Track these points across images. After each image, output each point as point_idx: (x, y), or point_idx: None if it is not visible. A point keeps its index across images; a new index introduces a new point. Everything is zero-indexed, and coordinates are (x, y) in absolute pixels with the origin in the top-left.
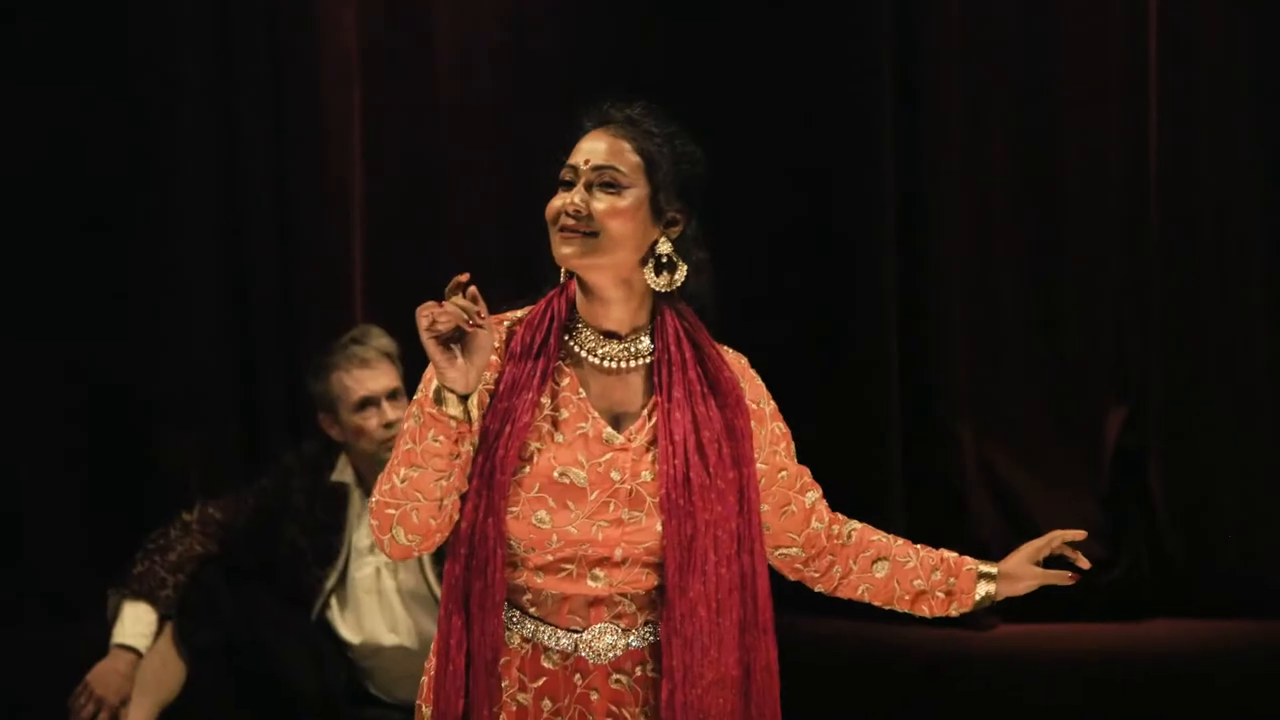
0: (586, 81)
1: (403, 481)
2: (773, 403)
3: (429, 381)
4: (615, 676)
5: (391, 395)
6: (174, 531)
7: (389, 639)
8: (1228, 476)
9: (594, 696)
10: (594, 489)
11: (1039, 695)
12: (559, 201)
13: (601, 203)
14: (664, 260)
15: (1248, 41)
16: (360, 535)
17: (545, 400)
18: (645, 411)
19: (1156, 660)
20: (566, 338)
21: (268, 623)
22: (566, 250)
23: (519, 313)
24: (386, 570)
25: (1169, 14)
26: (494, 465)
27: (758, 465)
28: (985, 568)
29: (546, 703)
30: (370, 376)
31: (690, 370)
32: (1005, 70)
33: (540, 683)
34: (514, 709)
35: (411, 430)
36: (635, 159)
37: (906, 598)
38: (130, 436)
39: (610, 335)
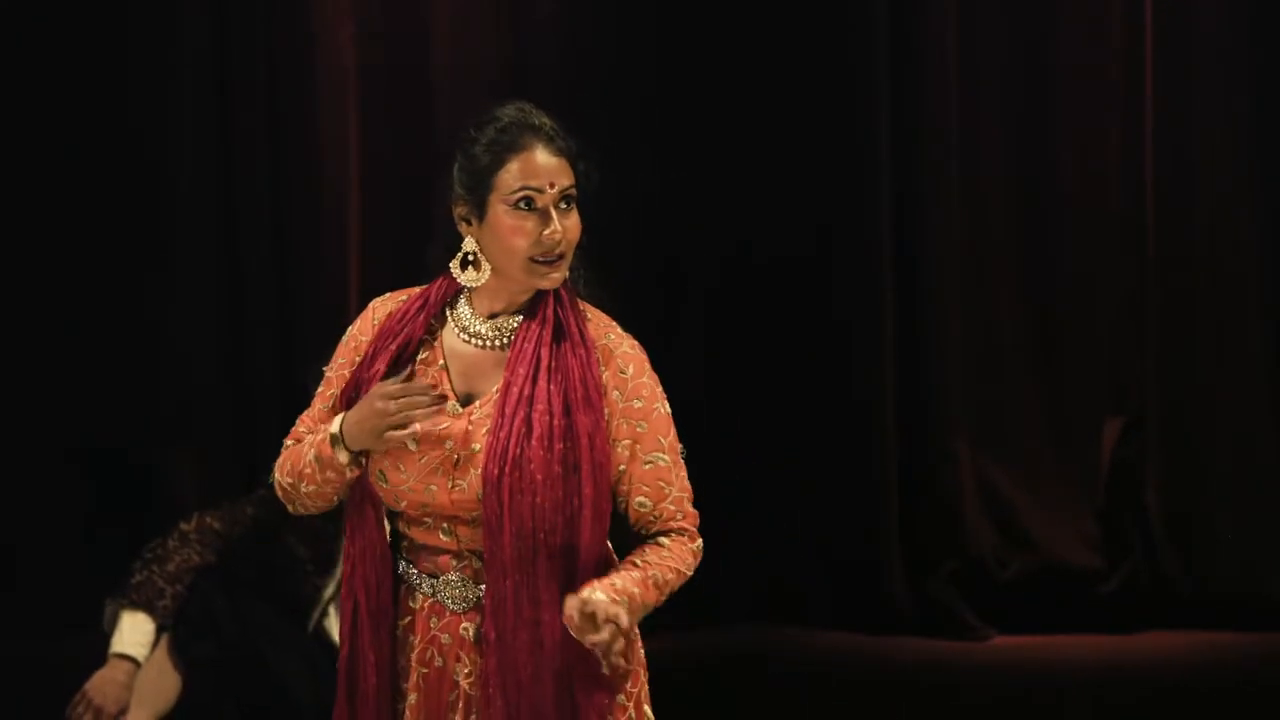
0: (586, 95)
1: (299, 488)
2: (640, 400)
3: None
4: (464, 625)
5: None
6: (172, 541)
7: None
8: (1224, 489)
9: (445, 639)
10: (423, 454)
11: (1035, 707)
12: (530, 225)
13: (568, 222)
14: None
15: (1246, 47)
16: None
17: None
18: (495, 388)
19: (1152, 673)
20: (447, 312)
21: (263, 633)
22: (555, 275)
23: (413, 290)
24: None
25: (1165, 19)
26: None
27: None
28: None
29: (413, 639)
30: None
31: (544, 348)
32: (1000, 88)
33: (407, 620)
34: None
35: (311, 463)
36: (572, 171)
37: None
38: (128, 453)
39: (492, 316)
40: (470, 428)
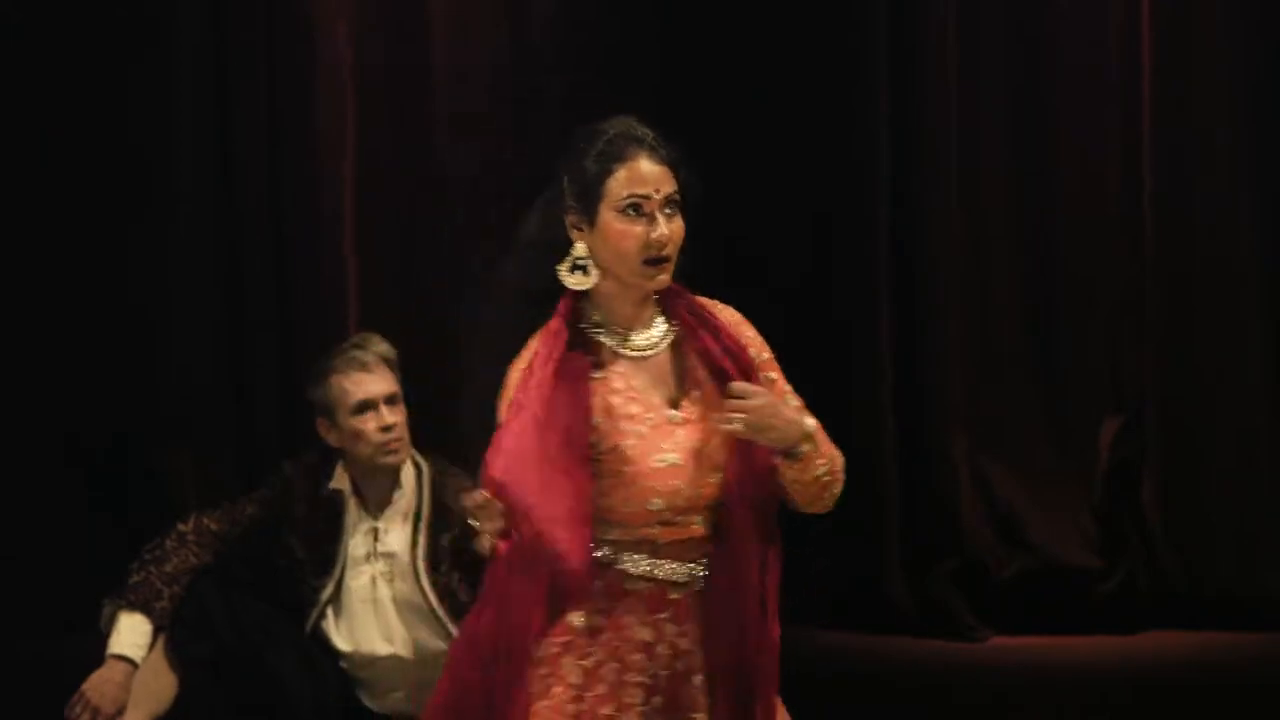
0: (585, 92)
1: None
2: (766, 351)
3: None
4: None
5: (389, 400)
6: (170, 542)
7: (383, 649)
8: (1222, 488)
9: (670, 628)
10: (687, 464)
11: (1032, 708)
12: (639, 229)
13: (673, 226)
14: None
15: (1245, 47)
16: (356, 544)
17: (597, 401)
18: (683, 386)
19: (1151, 673)
20: (595, 335)
21: (260, 634)
22: (663, 278)
23: (534, 341)
24: (382, 580)
25: (1163, 19)
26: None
27: None
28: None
29: (670, 627)
30: (369, 380)
31: (704, 339)
32: (1000, 88)
33: (666, 614)
34: (635, 640)
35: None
36: (674, 178)
37: None
38: (127, 453)
39: (633, 329)
40: (698, 428)
